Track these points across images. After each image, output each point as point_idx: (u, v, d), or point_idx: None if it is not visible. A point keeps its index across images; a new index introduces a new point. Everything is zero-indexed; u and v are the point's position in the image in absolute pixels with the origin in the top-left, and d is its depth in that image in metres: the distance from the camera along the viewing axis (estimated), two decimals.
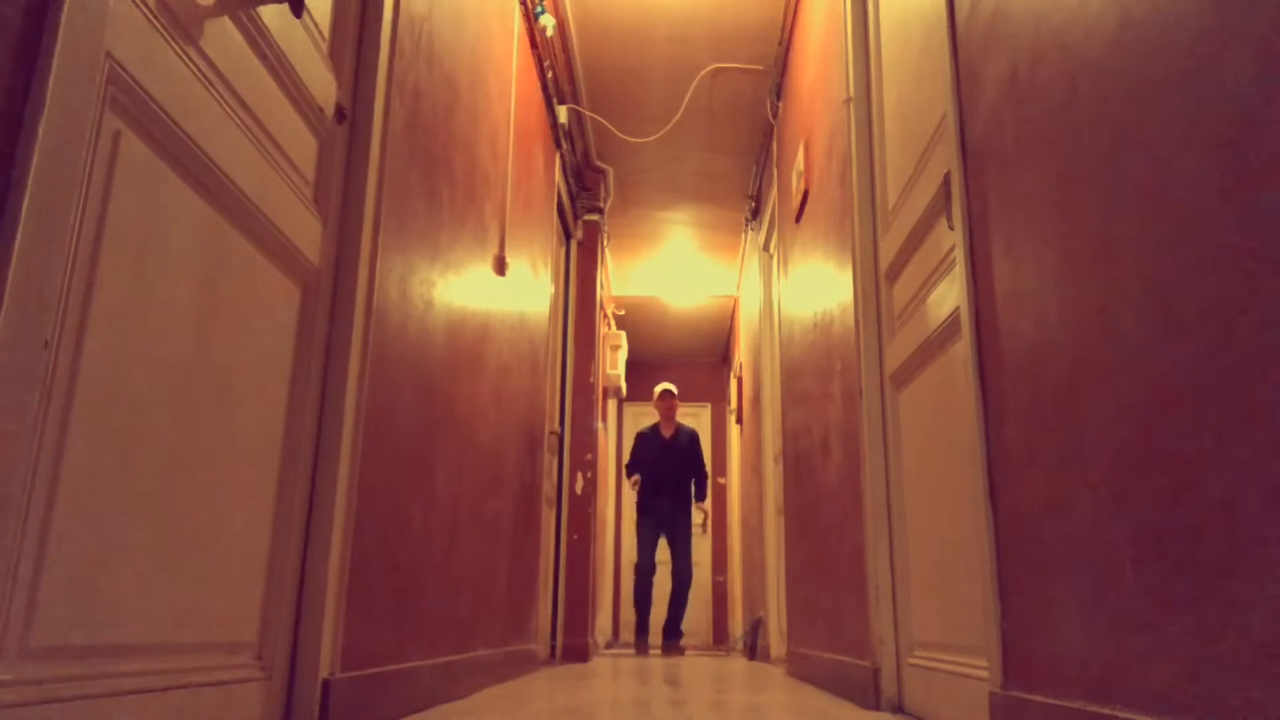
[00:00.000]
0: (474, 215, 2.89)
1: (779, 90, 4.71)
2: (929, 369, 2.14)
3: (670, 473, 6.73)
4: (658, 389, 6.92)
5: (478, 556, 2.96)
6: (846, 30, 2.86)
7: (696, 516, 7.07)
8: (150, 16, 1.15)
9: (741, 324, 7.56)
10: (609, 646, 8.27)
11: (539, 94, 4.23)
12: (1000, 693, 1.47)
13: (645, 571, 6.54)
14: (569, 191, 5.43)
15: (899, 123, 2.39)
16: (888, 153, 2.54)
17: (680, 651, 6.49)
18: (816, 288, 3.53)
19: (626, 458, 9.93)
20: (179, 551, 1.26)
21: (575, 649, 5.26)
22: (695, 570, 9.40)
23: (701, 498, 6.84)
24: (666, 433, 6.85)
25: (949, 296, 1.94)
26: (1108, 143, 1.13)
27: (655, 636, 9.02)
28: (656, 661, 5.49)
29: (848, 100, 2.82)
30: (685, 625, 9.10)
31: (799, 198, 3.94)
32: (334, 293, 1.80)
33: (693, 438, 6.89)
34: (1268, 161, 0.82)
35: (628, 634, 9.56)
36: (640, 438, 6.96)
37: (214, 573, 1.36)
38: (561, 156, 4.94)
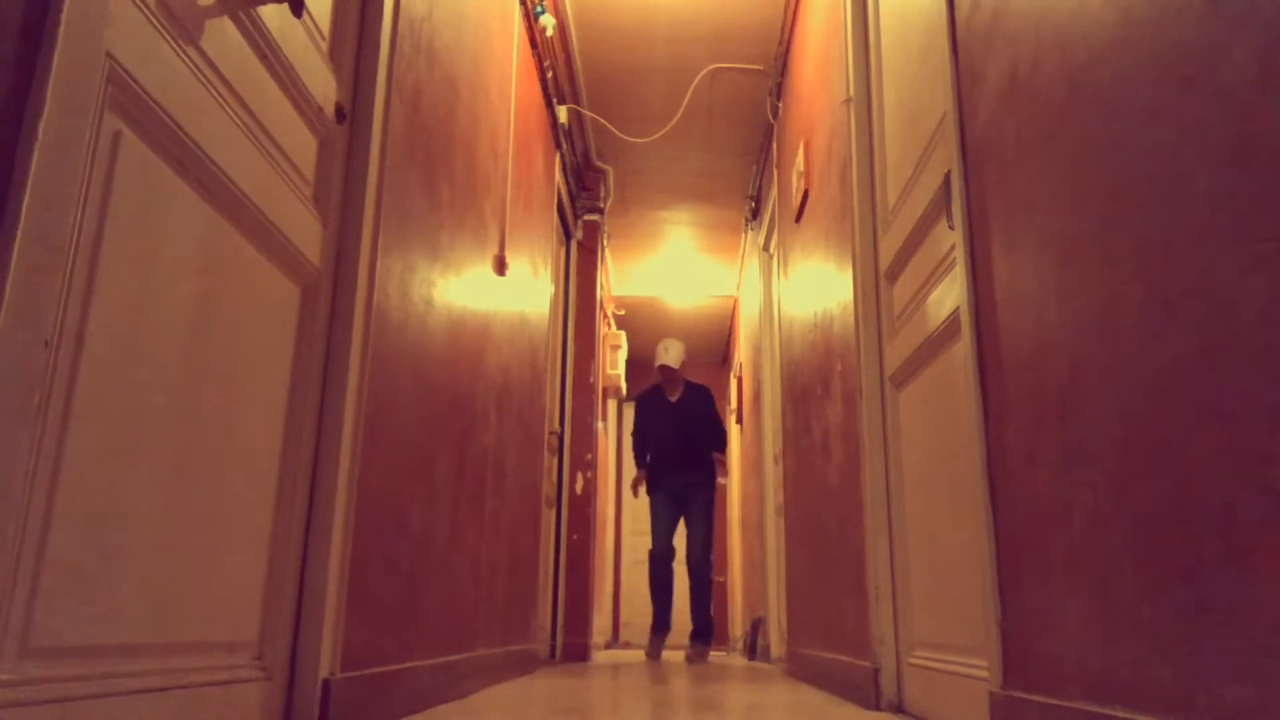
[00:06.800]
0: (474, 215, 2.89)
1: (779, 90, 4.71)
2: (929, 369, 2.14)
3: (682, 441, 5.65)
4: (658, 356, 5.69)
5: (478, 556, 2.96)
6: (846, 30, 2.86)
7: (719, 477, 5.73)
8: (150, 16, 1.15)
9: (741, 324, 7.55)
10: (608, 646, 8.27)
11: (539, 94, 4.22)
12: (1000, 693, 1.47)
13: (662, 557, 5.50)
14: (569, 191, 5.43)
15: (899, 123, 2.39)
16: (888, 153, 2.54)
17: (706, 658, 5.48)
18: (816, 288, 3.53)
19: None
20: (179, 551, 1.26)
21: (575, 649, 5.26)
22: None
23: (721, 449, 5.74)
24: (672, 395, 5.77)
25: (949, 296, 1.93)
26: (1108, 142, 1.13)
27: (668, 638, 8.40)
28: (659, 662, 5.48)
29: (848, 100, 2.82)
30: (684, 624, 8.49)
31: (799, 198, 3.94)
32: (334, 293, 1.80)
33: (705, 396, 5.80)
34: (1269, 161, 0.82)
35: (628, 634, 9.52)
36: (642, 404, 5.83)
37: (214, 572, 1.36)
38: (561, 156, 4.94)
